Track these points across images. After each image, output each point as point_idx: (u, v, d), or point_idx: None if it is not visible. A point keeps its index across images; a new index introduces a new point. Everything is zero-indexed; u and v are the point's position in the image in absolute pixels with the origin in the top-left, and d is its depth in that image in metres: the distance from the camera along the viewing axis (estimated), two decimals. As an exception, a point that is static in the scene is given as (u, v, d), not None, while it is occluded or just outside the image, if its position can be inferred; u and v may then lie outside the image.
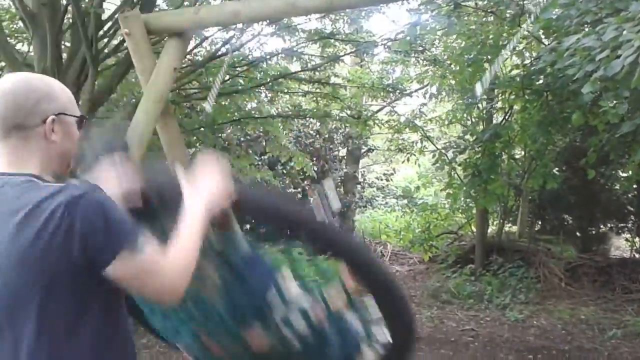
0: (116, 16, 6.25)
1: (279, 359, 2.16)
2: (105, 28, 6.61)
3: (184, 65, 8.11)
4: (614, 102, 4.84)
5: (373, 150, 17.25)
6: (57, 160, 1.54)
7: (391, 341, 2.24)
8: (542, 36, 6.79)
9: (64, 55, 6.33)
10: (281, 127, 10.30)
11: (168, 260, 1.46)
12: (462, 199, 9.67)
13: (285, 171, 14.16)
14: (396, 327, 2.24)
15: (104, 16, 6.31)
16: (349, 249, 2.21)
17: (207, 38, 8.90)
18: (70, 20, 6.63)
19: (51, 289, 1.35)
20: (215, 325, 2.07)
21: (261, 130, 12.34)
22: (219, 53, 8.03)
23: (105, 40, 6.74)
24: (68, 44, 6.90)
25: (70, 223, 1.32)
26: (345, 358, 2.20)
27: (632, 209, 11.96)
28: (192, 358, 2.34)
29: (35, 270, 1.33)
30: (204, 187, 1.68)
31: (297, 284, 2.12)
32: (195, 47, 8.65)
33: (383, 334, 2.26)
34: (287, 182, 14.48)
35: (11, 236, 1.33)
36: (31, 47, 6.22)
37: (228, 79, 9.00)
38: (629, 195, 11.77)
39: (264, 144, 13.72)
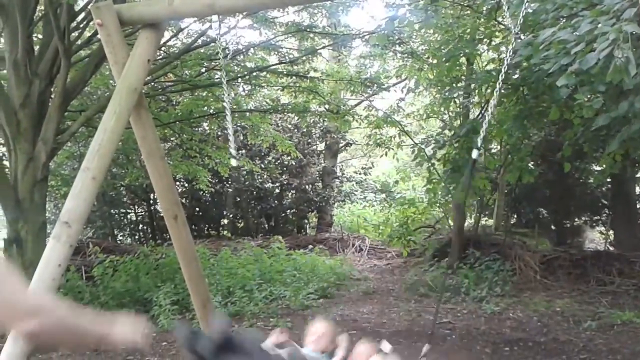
0: (89, 7, 6.14)
1: None
2: (78, 19, 6.49)
3: (158, 57, 8.00)
4: (590, 96, 4.88)
5: (351, 144, 17.27)
6: None
7: None
8: (518, 30, 6.81)
9: (36, 47, 6.20)
10: (259, 122, 10.23)
11: None
12: (440, 193, 9.71)
13: (263, 166, 14.11)
14: None
15: (77, 7, 6.19)
16: None
17: (182, 30, 8.79)
18: (42, 11, 6.49)
19: None
20: None
21: (239, 124, 12.26)
22: (195, 45, 7.92)
23: (78, 31, 6.61)
24: (40, 36, 6.76)
25: None
26: None
27: (606, 202, 12.16)
28: None
29: None
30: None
31: None
32: (170, 39, 8.53)
33: None
34: (265, 176, 14.43)
35: None
36: (1, 39, 6.06)
37: (205, 72, 8.91)
38: (603, 189, 11.96)
39: (241, 138, 13.65)
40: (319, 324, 3.69)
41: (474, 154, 3.59)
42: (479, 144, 3.39)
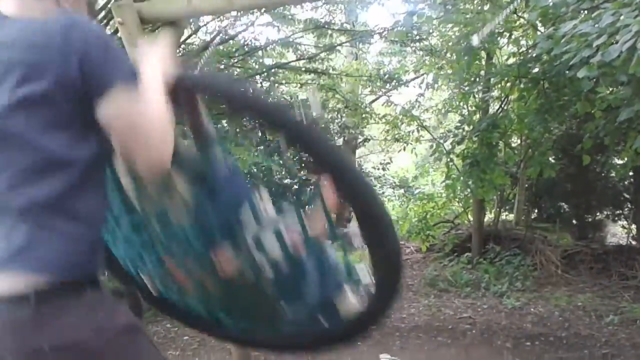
0: (109, 5, 6.21)
1: (248, 288, 1.91)
2: (99, 18, 6.56)
3: (178, 55, 8.07)
4: (612, 89, 4.84)
5: (369, 140, 17.24)
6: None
7: (374, 281, 1.91)
8: (539, 24, 6.77)
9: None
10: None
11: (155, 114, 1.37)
12: (460, 189, 9.67)
13: (282, 162, 14.15)
14: (380, 261, 1.86)
15: (97, 6, 6.26)
16: (331, 155, 1.81)
17: (201, 27, 8.86)
18: (64, 11, 6.57)
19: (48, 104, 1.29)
20: (181, 246, 1.88)
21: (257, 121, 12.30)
22: (214, 42, 7.98)
23: (99, 30, 6.69)
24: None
25: (70, 39, 1.27)
26: (323, 298, 1.94)
27: (628, 196, 11.99)
28: (155, 290, 2.17)
29: (34, 79, 1.27)
30: (155, 56, 1.58)
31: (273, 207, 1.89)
32: (190, 36, 8.60)
33: (366, 274, 1.97)
34: (283, 172, 14.48)
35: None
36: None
37: (223, 69, 8.97)
38: (625, 183, 11.79)
39: (259, 134, 13.70)
40: None
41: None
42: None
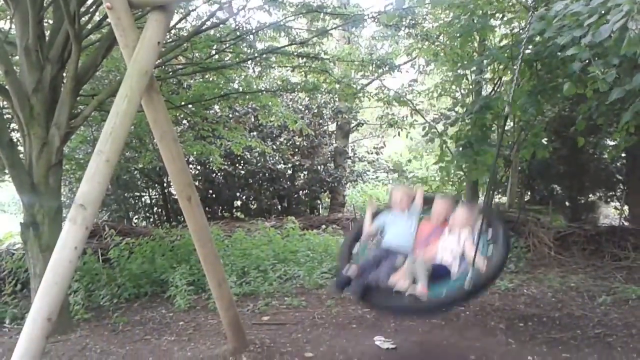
0: (98, -10, 6.14)
1: None
2: (88, 3, 6.48)
3: (168, 40, 8.00)
4: (603, 70, 4.82)
5: (363, 124, 17.21)
6: None
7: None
8: (530, 1, 6.72)
9: (46, 33, 6.21)
10: (270, 103, 10.20)
11: None
12: (453, 171, 9.67)
13: (275, 147, 14.12)
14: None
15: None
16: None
17: (191, 12, 8.75)
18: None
19: None
20: None
21: (250, 105, 12.24)
22: (204, 27, 7.89)
23: (88, 15, 6.61)
24: (50, 21, 6.77)
25: None
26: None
27: (620, 177, 12.05)
28: None
29: None
30: None
31: None
32: (180, 21, 8.50)
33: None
34: (277, 157, 14.45)
35: None
36: (13, 25, 6.08)
37: (215, 54, 8.89)
38: (618, 164, 11.85)
39: (252, 120, 13.64)
40: (397, 190, 4.96)
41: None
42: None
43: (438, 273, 4.30)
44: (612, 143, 9.50)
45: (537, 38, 5.94)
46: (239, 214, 15.09)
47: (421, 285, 4.16)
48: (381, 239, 4.73)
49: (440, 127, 8.93)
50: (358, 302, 4.95)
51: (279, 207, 15.52)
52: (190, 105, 9.76)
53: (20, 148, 6.40)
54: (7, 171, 6.31)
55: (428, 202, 4.89)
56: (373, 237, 4.80)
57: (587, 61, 4.67)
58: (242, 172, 14.30)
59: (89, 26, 6.75)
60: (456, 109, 9.31)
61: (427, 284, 4.16)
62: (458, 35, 7.67)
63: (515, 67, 4.22)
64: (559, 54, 5.47)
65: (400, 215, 4.76)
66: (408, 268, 4.31)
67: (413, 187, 4.81)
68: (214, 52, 8.80)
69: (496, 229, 4.38)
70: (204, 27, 7.87)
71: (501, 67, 8.44)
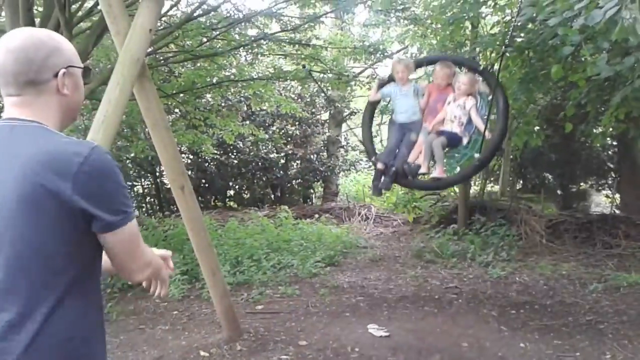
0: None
1: None
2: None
3: (160, 28, 7.93)
4: (593, 54, 4.83)
5: (355, 113, 17.19)
6: (68, 112, 1.59)
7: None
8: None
9: (37, 20, 6.15)
10: (262, 90, 10.16)
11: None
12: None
13: (267, 136, 14.09)
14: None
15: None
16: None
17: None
18: (41, -17, 6.42)
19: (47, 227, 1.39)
20: None
21: (242, 94, 12.18)
22: (196, 14, 7.83)
23: (79, 3, 6.55)
24: (40, 9, 6.70)
25: (82, 173, 1.38)
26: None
27: (612, 165, 12.12)
28: None
29: (37, 207, 1.36)
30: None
31: None
32: (171, 8, 8.43)
33: None
34: (270, 146, 14.42)
35: (21, 176, 1.36)
36: (2, 12, 6.01)
37: (206, 42, 8.83)
38: (609, 152, 11.91)
39: (245, 108, 13.58)
40: (398, 63, 5.24)
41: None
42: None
43: (450, 143, 4.93)
44: (600, 130, 9.51)
45: (529, 25, 5.92)
46: (231, 203, 15.07)
47: (439, 168, 4.85)
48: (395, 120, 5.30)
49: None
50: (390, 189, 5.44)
51: (272, 196, 15.51)
52: (181, 95, 9.71)
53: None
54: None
55: (432, 62, 5.42)
56: (377, 104, 5.75)
57: (578, 47, 4.66)
58: (235, 161, 14.26)
59: (80, 13, 6.69)
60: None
61: (444, 165, 4.90)
62: (449, 23, 7.64)
63: (506, 53, 4.46)
64: (550, 42, 5.46)
65: (405, 90, 5.14)
66: (424, 143, 4.92)
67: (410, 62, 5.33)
68: (205, 39, 8.75)
69: (496, 94, 4.79)
70: (195, 15, 7.81)
71: (493, 54, 8.42)
